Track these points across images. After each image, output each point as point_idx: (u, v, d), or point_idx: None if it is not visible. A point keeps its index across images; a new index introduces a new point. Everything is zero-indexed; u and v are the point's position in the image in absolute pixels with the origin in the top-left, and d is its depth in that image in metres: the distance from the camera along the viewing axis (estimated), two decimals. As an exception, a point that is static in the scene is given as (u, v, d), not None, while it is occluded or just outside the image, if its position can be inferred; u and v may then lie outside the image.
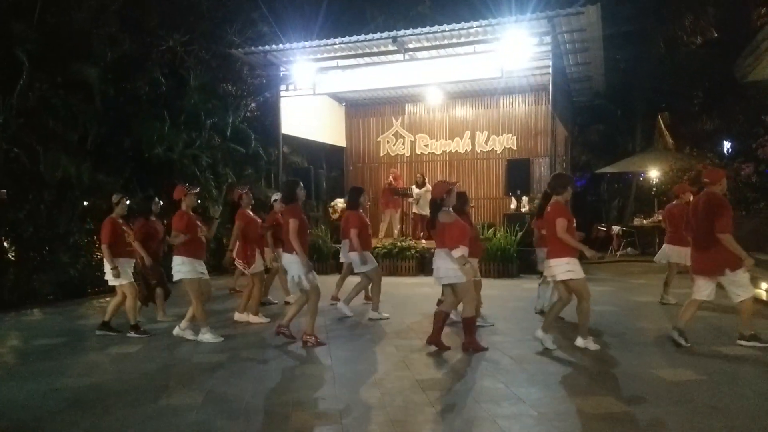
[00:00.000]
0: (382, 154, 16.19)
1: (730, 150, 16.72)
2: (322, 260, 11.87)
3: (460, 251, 5.38)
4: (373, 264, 7.61)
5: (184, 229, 6.26)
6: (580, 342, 5.64)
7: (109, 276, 6.74)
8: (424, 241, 12.10)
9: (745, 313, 5.57)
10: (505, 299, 8.51)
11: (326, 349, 5.94)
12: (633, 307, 7.94)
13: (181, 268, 6.25)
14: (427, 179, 14.04)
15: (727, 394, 4.31)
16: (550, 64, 11.49)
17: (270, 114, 14.63)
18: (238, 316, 7.44)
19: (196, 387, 4.81)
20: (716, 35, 17.87)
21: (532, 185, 12.94)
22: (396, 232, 14.05)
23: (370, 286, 7.83)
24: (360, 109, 16.35)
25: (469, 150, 15.42)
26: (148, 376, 5.22)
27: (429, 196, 13.14)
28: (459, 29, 11.28)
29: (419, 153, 15.85)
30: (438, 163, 15.71)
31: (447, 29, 11.25)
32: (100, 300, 9.28)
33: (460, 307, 5.85)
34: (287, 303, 8.13)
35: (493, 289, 8.92)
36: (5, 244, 9.99)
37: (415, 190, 13.87)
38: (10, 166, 9.85)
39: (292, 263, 5.92)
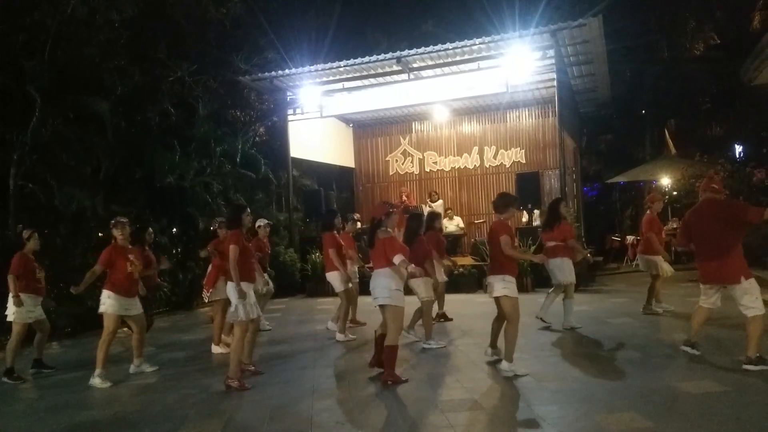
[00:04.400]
0: (391, 173, 16.26)
1: (741, 155, 16.61)
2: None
3: (399, 258, 5.39)
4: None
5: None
6: (505, 366, 5.38)
7: (9, 309, 6.45)
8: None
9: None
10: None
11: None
12: (651, 318, 7.85)
13: (106, 301, 6.14)
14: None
15: (753, 405, 4.24)
16: (555, 77, 11.54)
17: (278, 138, 14.77)
18: (214, 348, 7.27)
19: (215, 416, 4.82)
20: (718, 41, 17.87)
21: (543, 198, 12.89)
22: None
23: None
24: (367, 130, 16.47)
25: (477, 165, 15.45)
26: (167, 406, 5.23)
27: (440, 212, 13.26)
28: (462, 47, 11.37)
29: (428, 170, 15.90)
30: (447, 180, 15.74)
31: (450, 47, 11.34)
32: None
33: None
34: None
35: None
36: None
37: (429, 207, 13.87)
38: (25, 202, 10.00)
39: (231, 291, 5.70)
